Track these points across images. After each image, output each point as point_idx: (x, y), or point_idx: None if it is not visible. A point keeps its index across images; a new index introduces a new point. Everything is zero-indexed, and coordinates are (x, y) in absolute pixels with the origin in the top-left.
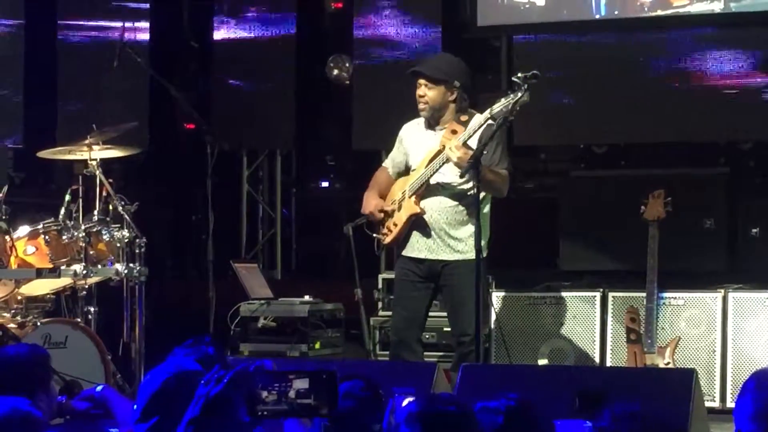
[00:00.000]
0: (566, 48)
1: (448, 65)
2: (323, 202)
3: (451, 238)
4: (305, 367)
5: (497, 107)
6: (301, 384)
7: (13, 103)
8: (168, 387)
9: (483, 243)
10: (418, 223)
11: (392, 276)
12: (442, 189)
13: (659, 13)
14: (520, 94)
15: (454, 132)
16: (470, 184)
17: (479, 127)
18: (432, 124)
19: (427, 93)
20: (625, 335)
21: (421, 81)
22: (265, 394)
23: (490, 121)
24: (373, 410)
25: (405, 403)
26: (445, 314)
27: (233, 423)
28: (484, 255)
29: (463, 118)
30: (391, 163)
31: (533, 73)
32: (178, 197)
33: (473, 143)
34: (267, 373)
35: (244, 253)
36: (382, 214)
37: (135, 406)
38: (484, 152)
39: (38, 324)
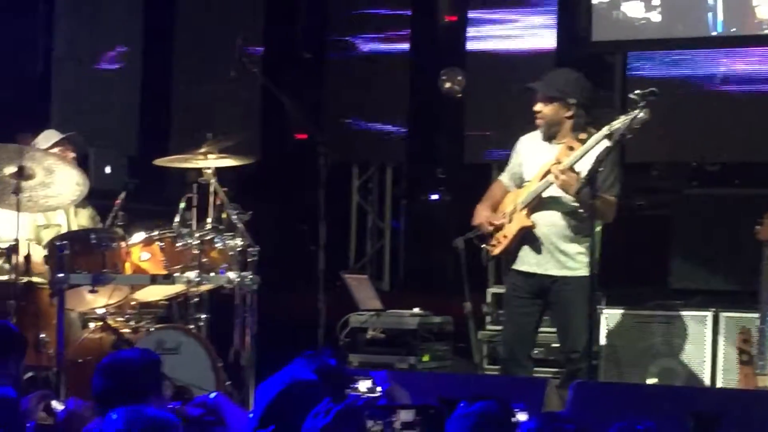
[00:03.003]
0: (682, 65)
1: (565, 82)
2: (433, 214)
3: (561, 253)
4: (414, 379)
5: (616, 125)
6: (406, 416)
7: (129, 112)
8: (285, 396)
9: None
10: (528, 237)
11: (501, 290)
12: (555, 203)
13: None
14: (639, 113)
15: (570, 149)
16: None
17: (590, 149)
18: (549, 137)
19: (542, 109)
20: (736, 356)
21: (537, 96)
22: (371, 424)
23: (607, 142)
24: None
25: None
26: (553, 330)
27: None
28: (595, 272)
29: (582, 136)
30: (507, 175)
31: (651, 90)
32: (287, 207)
33: (584, 164)
34: (374, 406)
35: (353, 264)
36: (491, 227)
37: (251, 414)
38: (600, 170)
39: (151, 330)
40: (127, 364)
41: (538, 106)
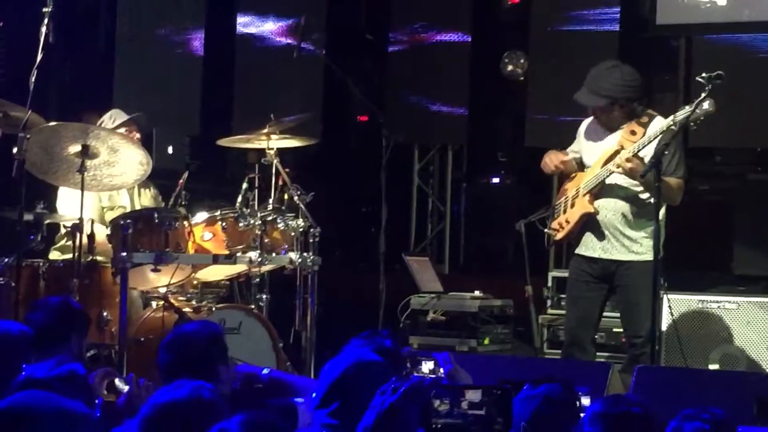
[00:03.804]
0: (747, 48)
1: (609, 85)
2: (493, 197)
3: (626, 238)
4: (476, 361)
5: (681, 115)
6: (473, 396)
7: (191, 92)
8: (348, 375)
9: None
10: (591, 222)
11: (561, 274)
12: (618, 189)
13: None
14: (703, 101)
15: (633, 133)
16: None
17: (655, 138)
18: (611, 130)
19: (596, 113)
20: None
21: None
22: (437, 403)
23: (672, 127)
24: (572, 417)
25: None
26: (615, 315)
27: None
28: (660, 256)
29: (643, 119)
30: (570, 155)
31: (718, 73)
32: (348, 188)
33: (649, 149)
34: (440, 386)
35: (413, 246)
36: (561, 166)
37: (314, 394)
38: (665, 153)
39: (213, 309)
40: (191, 336)
41: (591, 111)
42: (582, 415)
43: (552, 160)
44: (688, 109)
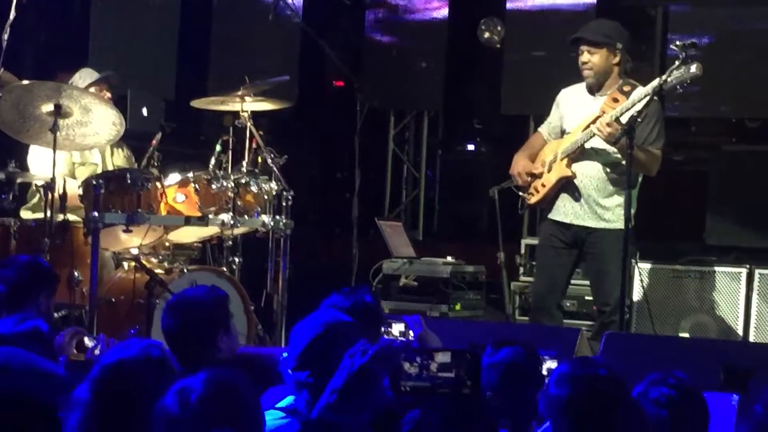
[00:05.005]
0: (723, 19)
1: (609, 28)
2: (468, 165)
3: (599, 206)
4: (447, 326)
5: (668, 78)
6: (443, 358)
7: (167, 55)
8: (320, 339)
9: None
10: (566, 187)
11: (535, 242)
12: (596, 155)
13: None
14: (691, 67)
15: (615, 100)
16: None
17: (638, 101)
18: (594, 89)
19: (590, 59)
20: None
21: (584, 47)
22: (407, 365)
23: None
24: (536, 380)
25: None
26: (586, 283)
27: (375, 395)
28: (631, 225)
29: (626, 88)
30: (546, 127)
31: (691, 42)
32: (323, 153)
33: (629, 116)
34: (410, 349)
35: (387, 212)
36: (528, 178)
37: (285, 354)
38: (639, 120)
39: (185, 271)
40: (193, 301)
41: (585, 56)
42: (547, 378)
43: (522, 175)
44: (677, 73)
